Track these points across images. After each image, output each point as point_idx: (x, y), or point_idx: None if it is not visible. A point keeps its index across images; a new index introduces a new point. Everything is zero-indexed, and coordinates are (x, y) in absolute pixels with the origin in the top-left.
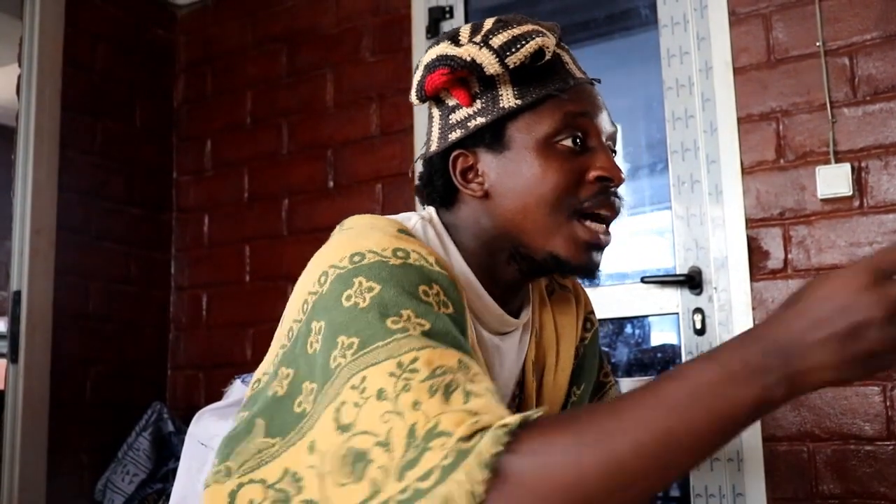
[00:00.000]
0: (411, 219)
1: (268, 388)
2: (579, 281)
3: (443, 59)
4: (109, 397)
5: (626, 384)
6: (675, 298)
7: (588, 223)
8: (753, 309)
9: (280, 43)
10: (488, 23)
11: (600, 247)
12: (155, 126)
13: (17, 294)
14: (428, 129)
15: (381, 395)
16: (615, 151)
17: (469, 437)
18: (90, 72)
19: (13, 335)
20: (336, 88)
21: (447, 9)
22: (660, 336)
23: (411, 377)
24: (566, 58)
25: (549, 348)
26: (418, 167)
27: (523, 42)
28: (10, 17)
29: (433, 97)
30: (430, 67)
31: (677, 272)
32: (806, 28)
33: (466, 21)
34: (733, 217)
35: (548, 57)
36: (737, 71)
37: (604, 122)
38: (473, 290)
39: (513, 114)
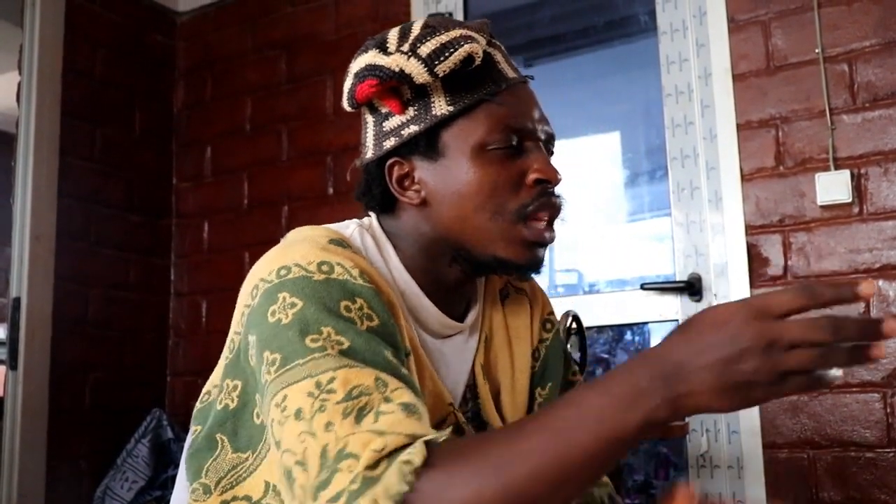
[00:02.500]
0: (349, 227)
1: (216, 401)
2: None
3: (371, 70)
4: (108, 404)
5: None
6: (675, 305)
7: (531, 223)
8: None
9: (279, 49)
10: (416, 28)
11: (544, 244)
12: (154, 132)
13: (17, 300)
14: (363, 136)
15: (298, 414)
16: (552, 150)
17: (375, 465)
18: (90, 78)
19: (12, 342)
20: (335, 95)
21: (447, 15)
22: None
23: (328, 398)
24: (498, 57)
25: (500, 352)
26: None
27: (452, 50)
28: (9, 25)
29: (366, 104)
30: (360, 77)
31: (677, 279)
32: (805, 35)
33: None
34: (733, 224)
35: (477, 62)
36: (736, 78)
37: (538, 121)
38: (415, 296)
39: (446, 121)
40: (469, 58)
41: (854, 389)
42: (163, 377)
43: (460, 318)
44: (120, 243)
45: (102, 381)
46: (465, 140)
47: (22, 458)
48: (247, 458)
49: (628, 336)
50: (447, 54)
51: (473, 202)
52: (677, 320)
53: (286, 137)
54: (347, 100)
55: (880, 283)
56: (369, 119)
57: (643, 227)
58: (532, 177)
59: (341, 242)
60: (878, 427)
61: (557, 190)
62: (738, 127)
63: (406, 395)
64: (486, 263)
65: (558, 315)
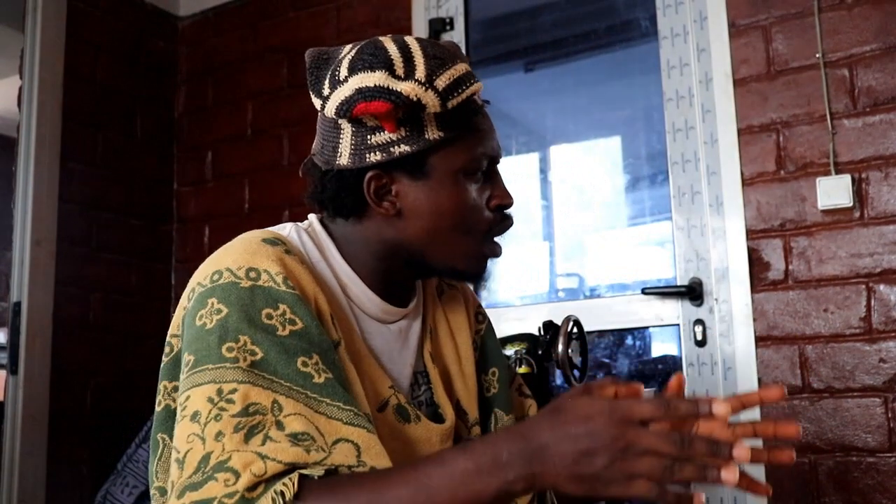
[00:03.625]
0: (285, 227)
1: (159, 405)
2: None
3: (385, 93)
4: (109, 408)
5: None
6: (676, 310)
7: (492, 242)
8: (754, 320)
9: (281, 54)
10: (417, 53)
11: (496, 258)
12: (156, 137)
13: (18, 305)
14: (331, 139)
15: (194, 416)
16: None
17: (254, 487)
18: (91, 83)
19: (13, 346)
20: None
21: (447, 20)
22: (661, 347)
23: (226, 408)
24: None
25: (445, 342)
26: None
27: (465, 86)
28: (11, 30)
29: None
30: (368, 96)
31: (678, 283)
32: (806, 40)
33: (467, 33)
34: (734, 228)
35: (478, 101)
36: (737, 82)
37: (497, 147)
38: (356, 286)
39: (436, 146)
40: (473, 94)
41: (855, 394)
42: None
43: (402, 305)
44: (121, 248)
45: (103, 386)
46: (450, 165)
47: (22, 463)
48: None
49: (629, 341)
50: (461, 90)
51: (448, 220)
52: (678, 325)
53: (287, 142)
54: (337, 109)
55: (881, 287)
56: (347, 127)
57: (644, 232)
58: (495, 203)
59: (274, 241)
60: (879, 432)
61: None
62: (739, 131)
63: (298, 423)
64: (442, 271)
65: (559, 320)
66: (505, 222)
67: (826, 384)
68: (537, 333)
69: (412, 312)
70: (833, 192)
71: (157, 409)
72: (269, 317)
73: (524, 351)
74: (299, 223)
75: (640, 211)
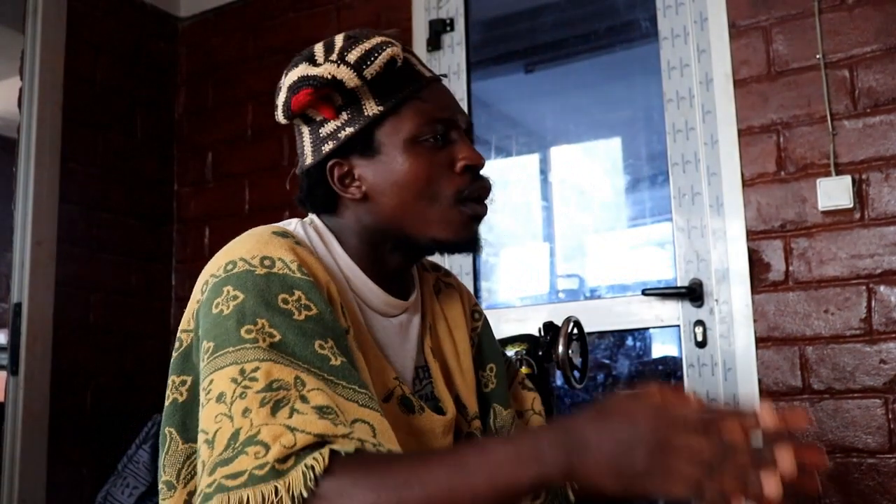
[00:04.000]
0: (291, 223)
1: (168, 399)
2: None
3: (305, 80)
4: (110, 409)
5: None
6: (677, 311)
7: (468, 204)
8: (755, 321)
9: (281, 55)
10: (339, 40)
11: (479, 219)
12: (156, 138)
13: (18, 306)
14: (298, 145)
15: (220, 398)
16: (472, 138)
17: (284, 459)
18: (91, 84)
19: (13, 347)
20: None
21: (448, 21)
22: (661, 348)
23: (250, 385)
24: (413, 60)
25: (444, 338)
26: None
27: (376, 54)
28: (11, 31)
29: (299, 115)
30: (294, 89)
31: (678, 284)
32: (806, 40)
33: (467, 34)
34: (734, 229)
35: (399, 64)
36: (737, 83)
37: (458, 114)
38: (359, 279)
39: (377, 120)
40: (392, 60)
41: (856, 395)
42: (164, 383)
43: (403, 298)
44: (121, 249)
45: (103, 387)
46: (398, 135)
47: (23, 464)
48: (199, 448)
49: (629, 342)
50: (373, 58)
51: (412, 191)
52: (679, 326)
53: (287, 143)
54: (283, 112)
55: (881, 288)
56: (304, 129)
57: (644, 233)
58: (461, 163)
59: (284, 234)
60: (879, 433)
61: (483, 173)
62: (740, 132)
63: (321, 398)
64: (426, 246)
65: (559, 321)
66: (476, 182)
67: (826, 385)
68: (537, 334)
69: (412, 307)
70: (833, 193)
71: (166, 403)
72: (286, 301)
73: (524, 352)
74: (303, 220)
75: (640, 212)
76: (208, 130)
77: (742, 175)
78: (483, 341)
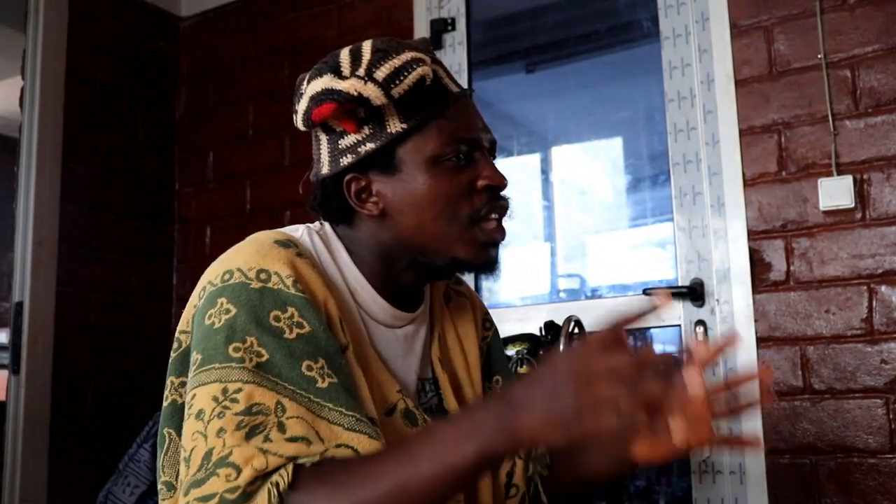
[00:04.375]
0: (298, 229)
1: (166, 400)
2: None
3: (329, 94)
4: (111, 408)
5: None
6: (678, 311)
7: (484, 225)
8: (756, 321)
9: (282, 55)
10: (366, 51)
11: (497, 243)
12: (157, 138)
13: (19, 305)
14: (315, 152)
15: (199, 415)
16: (495, 156)
17: (254, 481)
18: (93, 84)
19: (15, 346)
20: None
21: (449, 21)
22: (662, 348)
23: (229, 407)
24: (441, 74)
25: (454, 349)
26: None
27: (406, 73)
28: (13, 30)
29: (320, 124)
30: (317, 100)
31: (679, 284)
32: (808, 40)
33: (468, 34)
34: (735, 229)
35: (428, 83)
36: (738, 83)
37: (482, 131)
38: (364, 291)
39: (400, 138)
40: (422, 80)
41: (857, 395)
42: (164, 382)
43: (410, 310)
44: (122, 248)
45: (104, 386)
46: (420, 154)
47: (24, 462)
48: None
49: (630, 341)
50: (402, 77)
51: (431, 211)
52: (679, 325)
53: (288, 143)
54: (302, 121)
55: (883, 288)
56: (323, 137)
57: (645, 233)
58: (482, 183)
59: (286, 243)
60: (880, 433)
61: (505, 193)
62: (741, 132)
63: (299, 427)
64: (445, 266)
65: (560, 321)
66: (495, 202)
67: (827, 385)
68: (539, 334)
69: (419, 318)
70: (835, 193)
71: (165, 403)
72: (277, 319)
73: (525, 351)
74: (312, 225)
75: (641, 212)
76: (209, 130)
77: (743, 175)
78: (493, 351)
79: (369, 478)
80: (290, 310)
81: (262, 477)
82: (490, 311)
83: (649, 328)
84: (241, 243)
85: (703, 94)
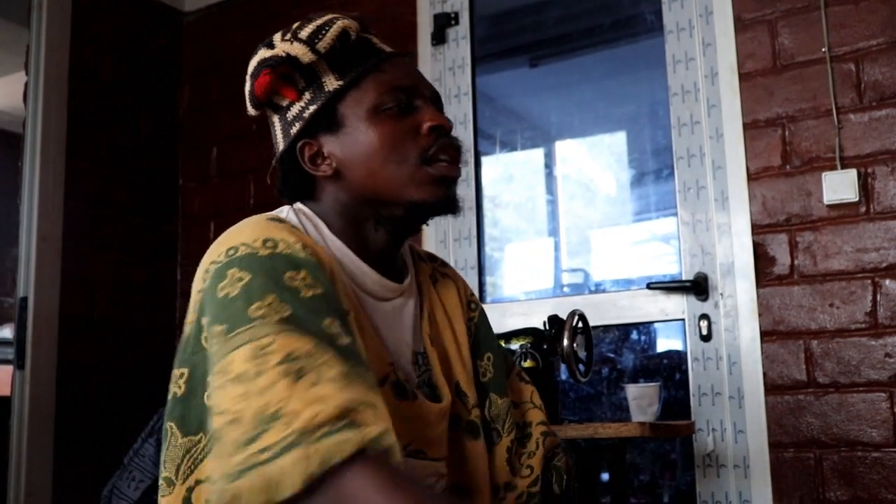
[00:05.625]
0: (283, 210)
1: (169, 393)
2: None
3: (262, 63)
4: (115, 403)
5: (632, 391)
6: (681, 305)
7: (435, 164)
8: (760, 315)
9: None
10: (295, 24)
11: (452, 179)
12: (160, 134)
13: (24, 301)
14: (273, 137)
15: (240, 378)
16: (441, 110)
17: (314, 429)
18: (96, 80)
19: (19, 341)
20: None
21: (453, 15)
22: (666, 342)
23: (267, 360)
24: (375, 40)
25: (443, 327)
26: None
27: (327, 28)
28: (17, 26)
29: (267, 103)
30: (254, 75)
31: (683, 278)
32: (812, 34)
33: (472, 28)
34: (739, 223)
35: (353, 37)
36: (742, 77)
37: (421, 84)
38: (351, 262)
39: (338, 94)
40: (344, 32)
41: (860, 389)
42: (169, 377)
43: (397, 281)
44: (126, 245)
45: (108, 381)
46: (360, 107)
47: (29, 457)
48: (199, 441)
49: (634, 335)
50: (324, 32)
51: (378, 158)
52: (683, 320)
53: None
54: (249, 101)
55: (887, 282)
56: (275, 118)
57: (649, 227)
58: (426, 125)
59: (279, 219)
60: (884, 426)
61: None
62: (745, 126)
63: (339, 365)
64: (405, 214)
65: (564, 315)
66: (442, 140)
67: (831, 379)
68: (542, 328)
69: (406, 291)
70: (839, 186)
71: (168, 398)
72: (292, 279)
73: (529, 345)
74: (293, 206)
75: (645, 206)
76: (212, 126)
77: (747, 169)
78: (480, 331)
79: None
80: (303, 271)
81: (325, 424)
82: (494, 305)
83: (653, 323)
84: (234, 227)
85: (706, 88)
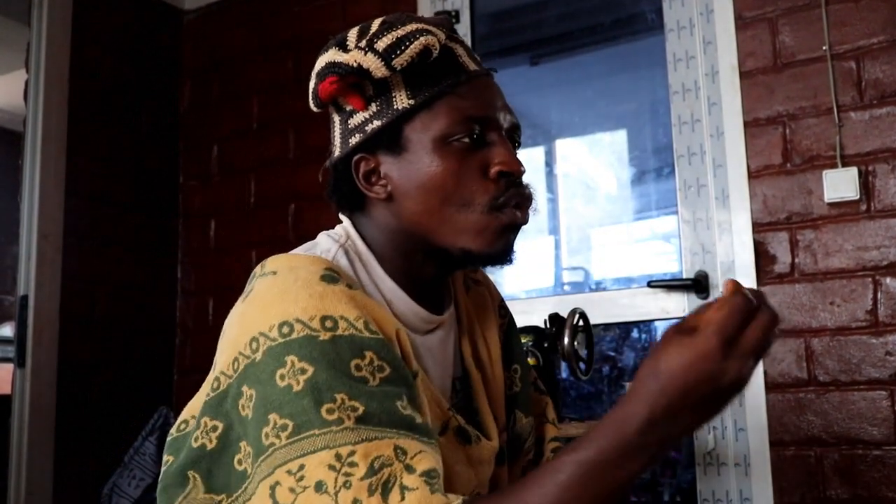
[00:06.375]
0: (331, 249)
1: (191, 437)
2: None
3: (331, 67)
4: (116, 402)
5: None
6: (682, 303)
7: (507, 210)
8: None
9: (286, 48)
10: (375, 25)
11: (518, 227)
12: (161, 131)
13: (25, 298)
14: (331, 135)
15: (320, 487)
16: (518, 142)
17: None
18: (97, 77)
19: (20, 339)
20: None
21: (453, 13)
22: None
23: (351, 472)
24: (459, 51)
25: (479, 343)
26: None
27: (408, 43)
28: (17, 23)
29: (331, 103)
30: (321, 76)
31: (684, 276)
32: (812, 32)
33: (473, 26)
34: (740, 221)
35: (435, 55)
36: (743, 75)
37: (502, 115)
38: (400, 301)
39: (407, 115)
40: (426, 50)
41: (861, 387)
42: (170, 375)
43: (438, 311)
44: (127, 242)
45: (110, 379)
46: (427, 133)
47: (29, 455)
48: (220, 501)
49: (635, 334)
50: (403, 47)
51: (437, 195)
52: (684, 318)
53: (293, 137)
54: (312, 100)
55: (887, 280)
56: (336, 118)
57: (650, 225)
58: (495, 169)
59: (333, 276)
60: (885, 425)
61: (524, 180)
62: (746, 124)
63: (425, 461)
64: (457, 257)
65: (565, 313)
66: (513, 190)
67: (832, 377)
68: (543, 326)
69: (448, 320)
70: (839, 184)
71: (194, 443)
72: (359, 368)
73: (530, 343)
74: (336, 236)
75: (645, 204)
76: (213, 124)
77: (748, 167)
78: (510, 340)
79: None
80: (369, 354)
81: None
82: None
83: (654, 321)
84: (281, 281)
85: (707, 86)
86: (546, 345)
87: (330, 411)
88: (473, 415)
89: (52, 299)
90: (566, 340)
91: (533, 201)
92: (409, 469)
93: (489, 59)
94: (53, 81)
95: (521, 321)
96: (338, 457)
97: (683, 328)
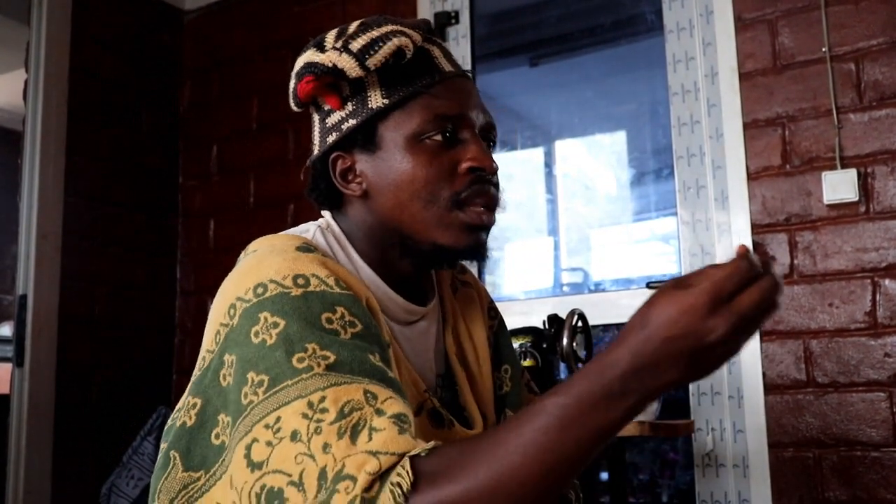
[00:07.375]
0: (310, 230)
1: (177, 419)
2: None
3: (308, 67)
4: (114, 401)
5: None
6: None
7: (468, 209)
8: None
9: (286, 48)
10: (352, 26)
11: (484, 227)
12: (161, 131)
13: (24, 298)
14: (312, 134)
15: (295, 436)
16: (493, 142)
17: (370, 486)
18: (96, 77)
19: (19, 339)
20: None
21: (453, 14)
22: None
23: (322, 418)
24: (435, 53)
25: (465, 341)
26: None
27: (381, 43)
28: (17, 23)
29: (310, 103)
30: (299, 76)
31: None
32: (812, 34)
33: (472, 27)
34: (739, 223)
35: (409, 56)
36: (743, 76)
37: (475, 113)
38: (378, 288)
39: (381, 113)
40: (399, 51)
41: (860, 389)
42: (168, 375)
43: (422, 304)
44: (126, 242)
45: (108, 379)
46: (400, 131)
47: (28, 455)
48: (198, 478)
49: None
50: (377, 48)
51: (408, 192)
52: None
53: (292, 137)
54: (292, 99)
55: (886, 282)
56: (315, 117)
57: (649, 227)
58: (465, 165)
59: (308, 248)
60: (883, 426)
61: (500, 184)
62: (745, 126)
63: (395, 406)
64: (429, 252)
65: (563, 314)
66: (477, 186)
67: (831, 379)
68: (542, 327)
69: (430, 313)
70: (839, 186)
71: (176, 423)
72: (329, 321)
73: (529, 344)
74: (319, 223)
75: (645, 205)
76: (213, 124)
77: (747, 168)
78: (500, 341)
79: (507, 448)
80: (339, 309)
81: (380, 478)
82: None
83: None
84: (259, 253)
85: (707, 87)
86: (545, 346)
87: (300, 360)
88: (460, 411)
89: (51, 299)
90: (565, 341)
91: (499, 202)
92: (379, 413)
93: (488, 59)
94: (53, 81)
95: (519, 322)
96: (310, 404)
97: (680, 283)
